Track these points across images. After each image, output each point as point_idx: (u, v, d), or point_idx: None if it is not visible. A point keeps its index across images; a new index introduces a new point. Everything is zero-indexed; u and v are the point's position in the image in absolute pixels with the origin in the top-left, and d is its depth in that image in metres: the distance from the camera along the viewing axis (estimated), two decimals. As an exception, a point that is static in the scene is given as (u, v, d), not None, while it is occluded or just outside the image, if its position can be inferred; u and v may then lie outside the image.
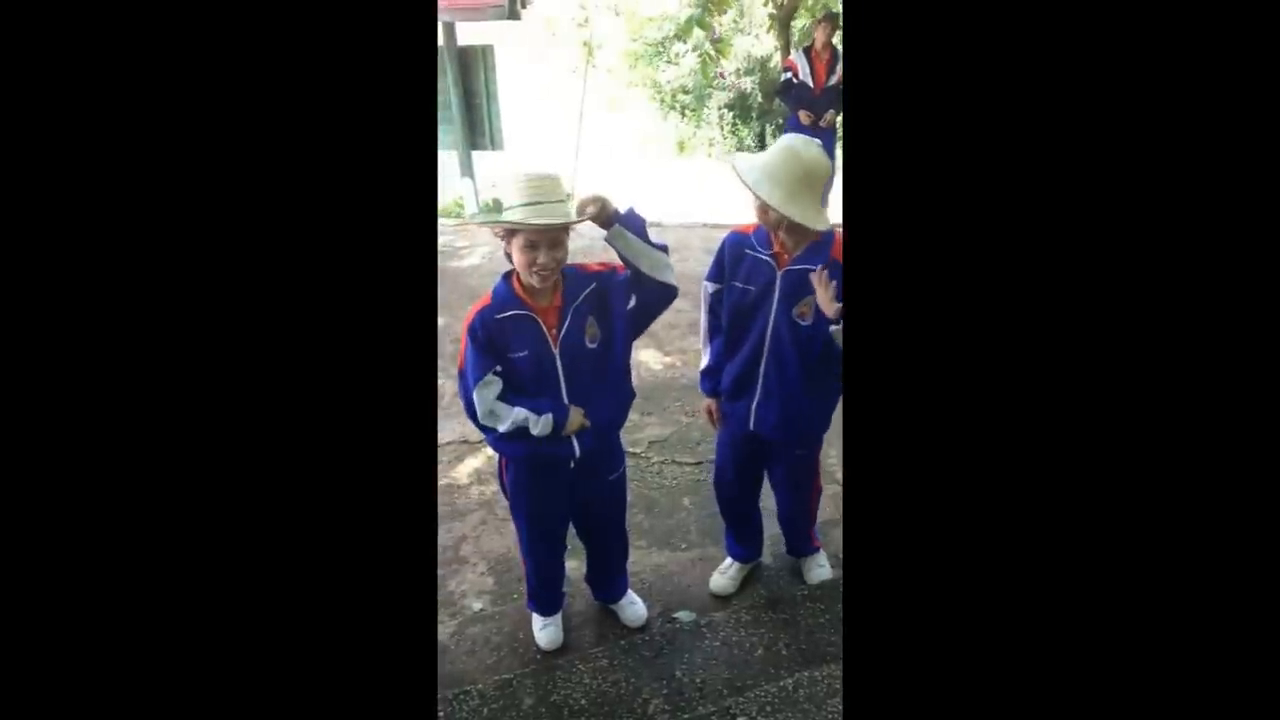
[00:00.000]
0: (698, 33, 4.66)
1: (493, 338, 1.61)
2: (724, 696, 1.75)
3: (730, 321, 1.90)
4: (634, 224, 1.63)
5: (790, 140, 1.73)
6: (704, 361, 2.04)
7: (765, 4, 5.86)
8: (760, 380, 1.88)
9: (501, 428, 1.65)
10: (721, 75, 7.67)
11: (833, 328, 1.70)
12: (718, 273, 1.92)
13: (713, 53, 5.05)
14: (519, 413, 1.64)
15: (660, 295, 1.70)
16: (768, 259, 1.80)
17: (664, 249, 1.66)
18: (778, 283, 1.79)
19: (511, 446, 1.72)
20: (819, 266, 1.70)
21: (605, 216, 1.59)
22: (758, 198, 1.69)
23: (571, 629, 2.12)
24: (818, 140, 1.80)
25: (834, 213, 1.71)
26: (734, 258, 1.87)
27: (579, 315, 1.65)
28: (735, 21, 6.64)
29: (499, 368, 1.63)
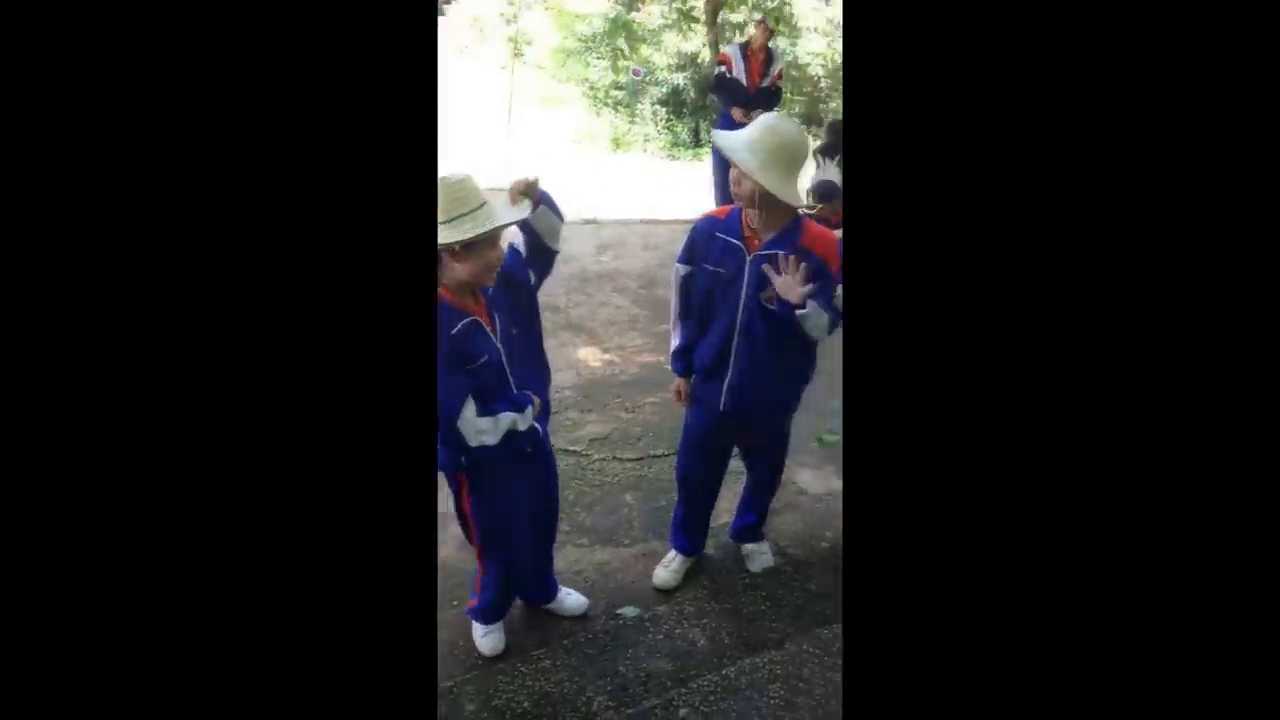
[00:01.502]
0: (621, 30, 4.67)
1: (460, 355, 1.56)
2: (667, 689, 1.76)
3: (701, 304, 1.94)
4: (552, 204, 1.67)
5: (772, 118, 1.78)
6: (674, 343, 2.06)
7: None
8: (732, 361, 1.91)
9: (492, 440, 1.61)
10: (636, 73, 7.65)
11: (799, 312, 1.73)
12: (688, 255, 1.95)
13: (625, 49, 5.04)
14: (505, 417, 1.62)
15: (551, 266, 1.76)
16: (738, 243, 1.83)
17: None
18: (747, 267, 1.82)
19: (490, 454, 1.65)
20: (783, 253, 1.73)
21: (535, 198, 1.62)
22: (733, 167, 1.73)
23: (514, 632, 2.09)
24: (796, 122, 1.85)
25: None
26: (705, 241, 1.89)
27: (499, 305, 1.65)
28: (665, 17, 6.67)
29: None
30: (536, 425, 1.73)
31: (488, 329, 1.61)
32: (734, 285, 1.85)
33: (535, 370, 1.78)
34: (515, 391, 1.68)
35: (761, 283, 1.81)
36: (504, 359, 1.65)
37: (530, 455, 1.77)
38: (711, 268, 1.87)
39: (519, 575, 1.96)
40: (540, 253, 1.70)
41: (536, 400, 1.71)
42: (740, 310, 1.86)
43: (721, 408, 1.97)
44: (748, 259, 1.81)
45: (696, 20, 6.09)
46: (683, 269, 1.98)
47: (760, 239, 1.81)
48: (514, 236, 1.68)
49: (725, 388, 1.95)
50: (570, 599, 2.12)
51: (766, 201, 1.75)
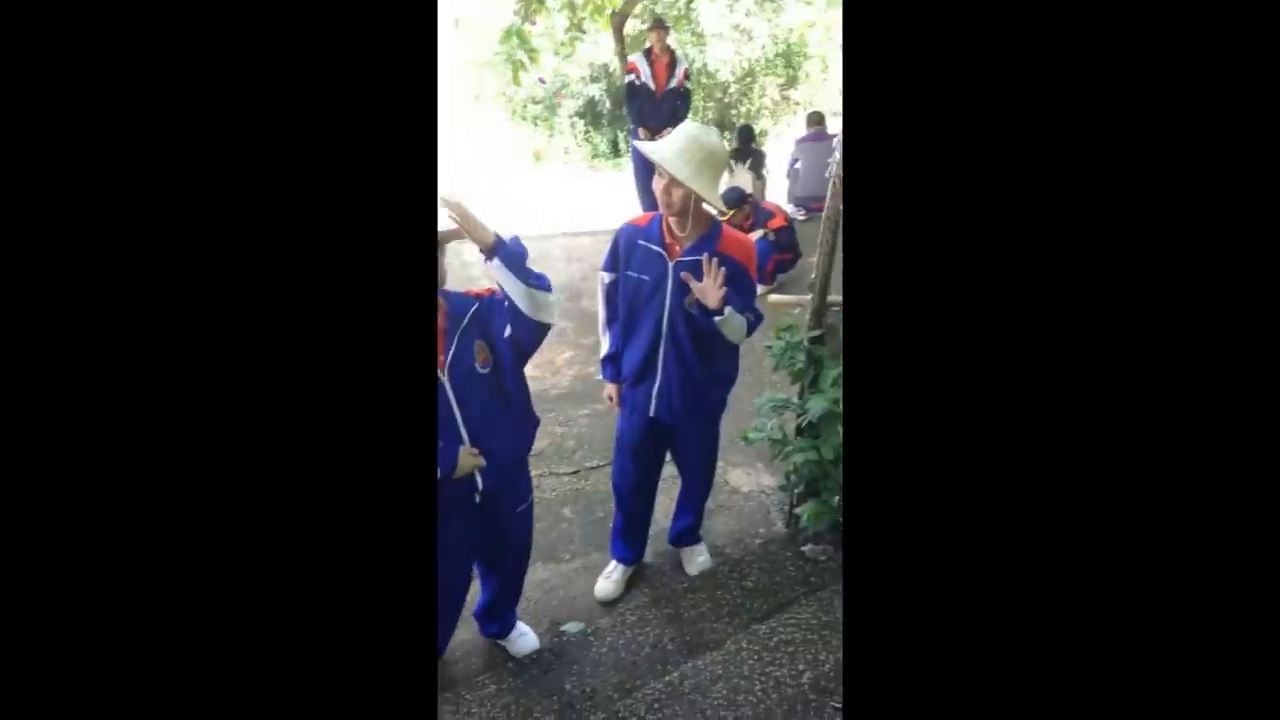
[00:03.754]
0: (514, 39, 4.67)
1: None
2: (613, 701, 1.77)
3: (626, 311, 1.96)
4: (514, 257, 1.52)
5: (693, 127, 1.83)
6: (604, 349, 2.09)
7: (563, 8, 5.89)
8: (660, 367, 1.95)
9: None
10: (542, 80, 7.61)
11: (717, 319, 1.78)
12: (612, 263, 1.98)
13: (525, 60, 5.03)
14: None
15: (534, 334, 1.61)
16: (659, 250, 1.87)
17: (545, 285, 1.57)
18: (669, 274, 1.86)
19: None
20: (707, 255, 1.79)
21: (485, 242, 1.49)
22: (662, 177, 1.77)
23: (457, 660, 2.07)
24: (715, 129, 1.94)
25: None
26: (627, 248, 1.92)
27: (466, 338, 1.58)
28: (566, 30, 6.71)
29: None
30: (477, 476, 1.65)
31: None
32: (657, 292, 1.89)
33: (507, 417, 1.67)
34: (463, 433, 1.61)
35: (684, 289, 1.85)
36: (448, 393, 1.56)
37: (479, 505, 1.69)
38: (635, 275, 1.91)
39: (446, 628, 1.90)
40: (519, 315, 1.55)
41: (469, 461, 1.61)
42: (664, 317, 1.90)
43: (651, 413, 2.01)
44: (670, 265, 1.86)
45: (584, 32, 6.16)
46: (607, 276, 2.01)
47: (681, 246, 1.87)
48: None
49: (654, 394, 1.99)
50: (521, 640, 2.06)
51: (694, 208, 1.81)
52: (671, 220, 1.86)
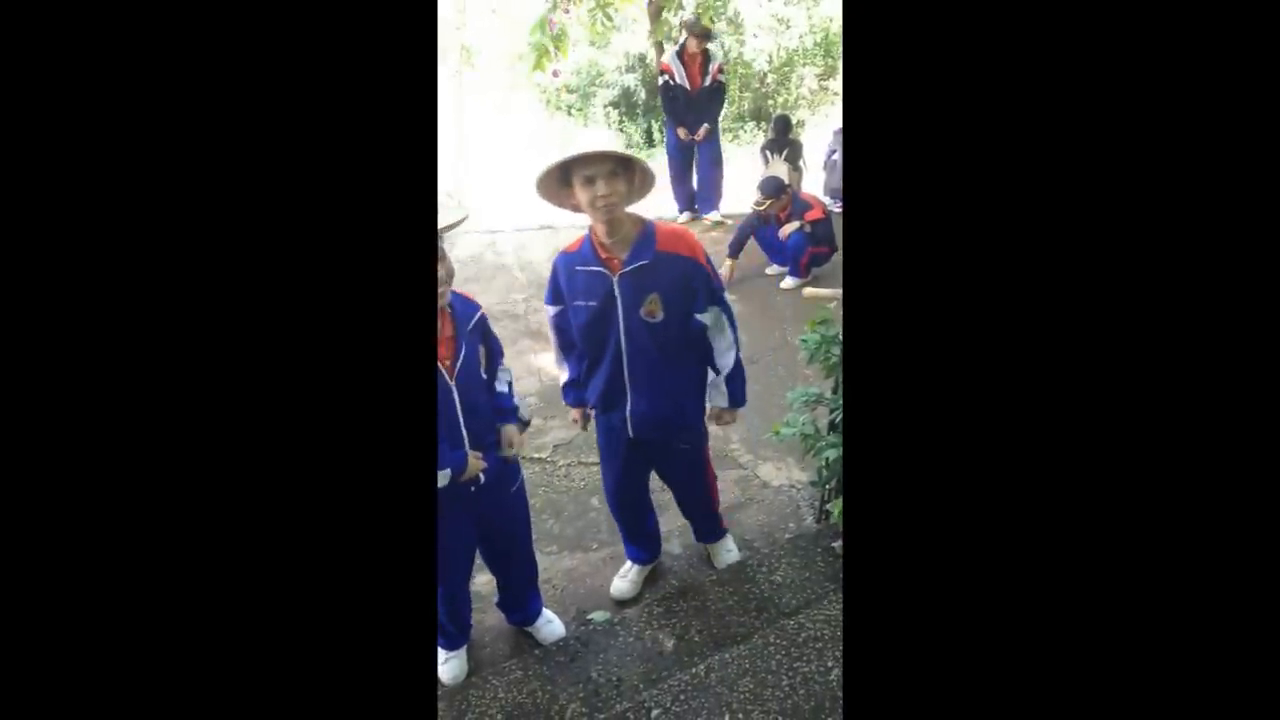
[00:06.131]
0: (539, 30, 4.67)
1: None
2: (639, 691, 1.77)
3: (584, 338, 1.89)
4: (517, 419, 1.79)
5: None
6: (564, 376, 2.07)
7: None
8: (628, 388, 1.88)
9: None
10: (556, 74, 7.56)
11: (701, 319, 1.81)
12: (554, 295, 1.92)
13: (550, 48, 4.98)
14: None
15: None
16: (599, 269, 1.78)
17: None
18: (616, 290, 1.78)
19: None
20: (648, 261, 1.74)
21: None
22: (588, 180, 1.64)
23: (485, 645, 2.09)
24: None
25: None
26: (568, 277, 1.85)
27: (472, 343, 1.60)
28: (598, 8, 6.66)
29: None
30: (482, 475, 1.70)
31: (439, 363, 1.56)
32: (609, 312, 1.80)
33: (498, 410, 1.76)
34: (464, 437, 1.64)
35: (637, 301, 1.77)
36: (455, 399, 1.59)
37: (474, 494, 1.72)
38: (583, 302, 1.83)
39: (457, 609, 1.93)
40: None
41: (476, 464, 1.67)
42: (623, 336, 1.81)
43: (631, 435, 1.95)
44: (614, 281, 1.77)
45: (611, 19, 6.10)
46: (552, 309, 1.95)
47: (618, 258, 1.76)
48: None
49: (629, 415, 1.92)
50: (548, 628, 2.09)
51: (622, 211, 1.72)
52: (602, 229, 1.74)
